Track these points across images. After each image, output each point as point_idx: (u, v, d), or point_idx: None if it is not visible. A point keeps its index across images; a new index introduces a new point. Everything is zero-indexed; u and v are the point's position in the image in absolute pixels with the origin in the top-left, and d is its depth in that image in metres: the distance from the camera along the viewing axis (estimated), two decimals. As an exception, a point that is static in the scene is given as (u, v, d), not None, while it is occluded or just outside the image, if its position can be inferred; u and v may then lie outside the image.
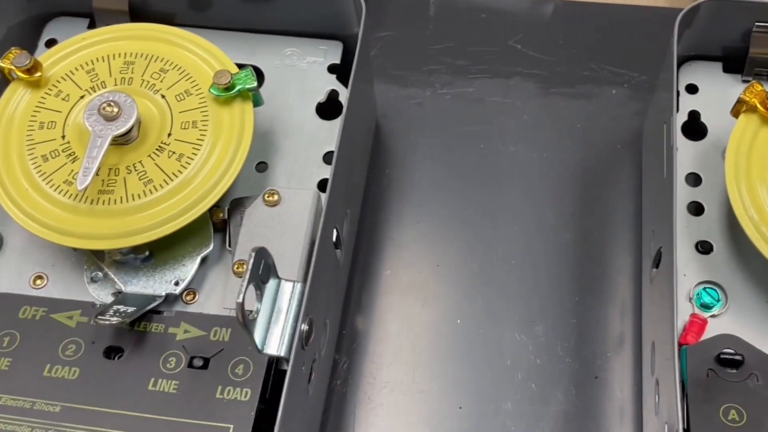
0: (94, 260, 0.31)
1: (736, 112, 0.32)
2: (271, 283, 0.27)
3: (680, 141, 0.34)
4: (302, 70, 0.36)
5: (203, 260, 0.31)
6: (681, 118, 0.35)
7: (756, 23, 0.34)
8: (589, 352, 0.34)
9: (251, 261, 0.26)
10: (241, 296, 0.24)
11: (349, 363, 0.34)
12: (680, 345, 0.30)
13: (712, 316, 0.31)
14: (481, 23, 0.43)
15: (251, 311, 0.26)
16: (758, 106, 0.31)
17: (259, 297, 0.27)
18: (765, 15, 0.34)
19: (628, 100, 0.40)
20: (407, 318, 0.35)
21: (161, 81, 0.32)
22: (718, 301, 0.31)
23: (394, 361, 0.34)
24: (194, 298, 0.30)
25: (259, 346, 0.26)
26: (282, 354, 0.27)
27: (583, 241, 0.37)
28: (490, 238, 0.37)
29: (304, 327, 0.27)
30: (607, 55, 0.41)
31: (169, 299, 0.30)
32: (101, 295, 0.30)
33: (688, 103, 0.35)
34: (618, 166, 0.34)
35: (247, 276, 0.25)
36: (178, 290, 0.30)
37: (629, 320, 0.35)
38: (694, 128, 0.34)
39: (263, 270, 0.27)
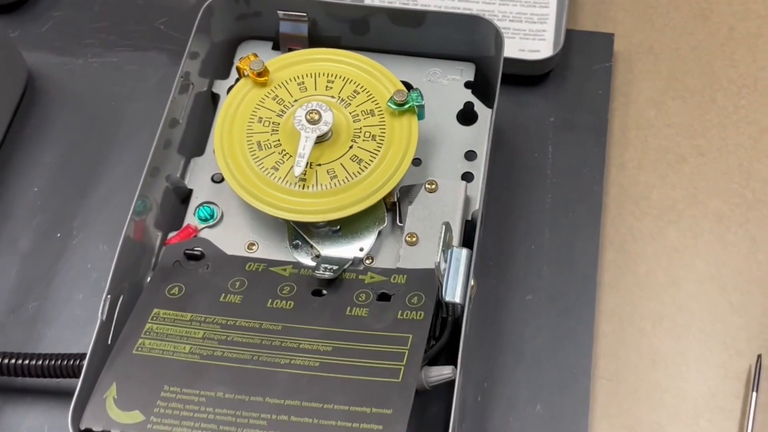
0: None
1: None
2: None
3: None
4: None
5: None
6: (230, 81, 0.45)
7: (278, 11, 0.44)
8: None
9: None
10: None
11: None
12: (165, 245, 0.40)
13: (209, 227, 0.41)
14: (136, 8, 0.53)
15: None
16: (247, 71, 0.41)
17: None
18: (286, 4, 0.44)
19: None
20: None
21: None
22: (212, 216, 0.41)
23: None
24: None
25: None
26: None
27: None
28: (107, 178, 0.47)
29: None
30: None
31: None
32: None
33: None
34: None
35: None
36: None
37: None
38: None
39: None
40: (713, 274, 0.44)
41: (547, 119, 0.48)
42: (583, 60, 0.50)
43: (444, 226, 0.36)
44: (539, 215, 0.45)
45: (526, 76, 0.49)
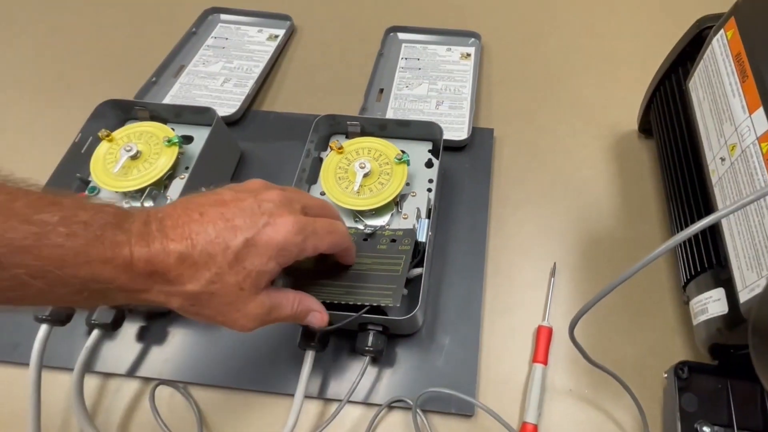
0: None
1: (331, 150, 0.98)
2: None
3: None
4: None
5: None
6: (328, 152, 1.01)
7: (347, 122, 1.00)
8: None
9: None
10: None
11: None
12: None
13: (319, 213, 0.96)
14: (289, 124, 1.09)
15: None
16: (333, 148, 0.97)
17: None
18: (351, 118, 1.00)
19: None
20: None
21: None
22: (321, 208, 0.96)
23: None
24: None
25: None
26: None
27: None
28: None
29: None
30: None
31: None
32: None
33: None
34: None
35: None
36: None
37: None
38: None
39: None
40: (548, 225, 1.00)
41: (465, 166, 1.04)
42: (480, 141, 1.07)
43: (417, 210, 0.92)
44: (457, 214, 1.01)
45: (455, 147, 1.06)
